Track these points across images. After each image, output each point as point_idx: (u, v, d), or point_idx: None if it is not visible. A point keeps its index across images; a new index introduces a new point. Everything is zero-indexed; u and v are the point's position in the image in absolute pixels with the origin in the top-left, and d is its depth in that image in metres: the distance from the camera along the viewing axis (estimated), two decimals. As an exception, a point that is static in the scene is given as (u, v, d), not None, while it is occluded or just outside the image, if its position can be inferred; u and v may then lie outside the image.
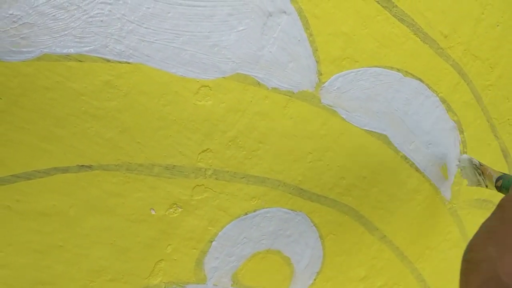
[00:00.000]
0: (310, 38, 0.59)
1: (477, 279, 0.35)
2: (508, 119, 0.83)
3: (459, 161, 0.77)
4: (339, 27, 0.60)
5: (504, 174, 0.67)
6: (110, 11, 0.47)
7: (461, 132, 0.78)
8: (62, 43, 0.46)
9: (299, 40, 0.58)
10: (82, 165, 0.51)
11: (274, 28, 0.56)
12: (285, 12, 0.56)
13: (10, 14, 0.43)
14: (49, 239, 0.52)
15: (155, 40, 0.50)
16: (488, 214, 0.39)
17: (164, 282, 0.60)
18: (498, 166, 0.85)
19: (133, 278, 0.58)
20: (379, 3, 0.62)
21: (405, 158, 0.73)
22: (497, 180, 0.67)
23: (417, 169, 0.75)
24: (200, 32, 0.52)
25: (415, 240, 0.81)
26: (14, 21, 0.44)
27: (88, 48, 0.47)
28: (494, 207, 0.39)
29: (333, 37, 0.60)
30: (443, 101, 0.74)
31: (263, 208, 0.64)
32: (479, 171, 0.72)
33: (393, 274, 0.81)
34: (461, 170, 0.76)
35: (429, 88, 0.71)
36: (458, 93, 0.75)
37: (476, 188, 0.75)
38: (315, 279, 0.73)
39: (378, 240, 0.77)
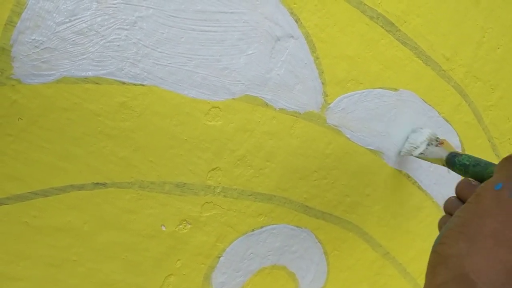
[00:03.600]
0: (317, 61, 0.61)
1: (445, 273, 0.35)
2: (509, 139, 0.85)
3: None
4: (344, 50, 0.62)
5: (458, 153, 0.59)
6: (126, 36, 0.49)
7: (463, 151, 0.79)
8: (80, 66, 0.48)
9: (305, 63, 0.60)
10: (97, 183, 0.53)
11: (282, 51, 0.58)
12: (292, 37, 0.58)
13: (33, 40, 0.45)
14: (64, 254, 0.53)
15: (169, 63, 0.52)
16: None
17: (172, 296, 0.62)
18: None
19: (143, 292, 0.59)
20: (383, 27, 0.64)
21: (407, 176, 0.75)
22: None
23: (419, 187, 0.77)
24: (212, 56, 0.54)
25: (418, 256, 0.82)
26: (36, 46, 0.46)
27: (105, 71, 0.50)
28: None
29: (338, 60, 0.62)
30: (445, 121, 0.75)
31: (270, 224, 0.65)
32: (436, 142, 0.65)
33: (396, 290, 0.82)
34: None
35: (432, 109, 0.73)
36: (459, 113, 0.76)
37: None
38: (319, 294, 0.74)
39: (381, 256, 0.78)
